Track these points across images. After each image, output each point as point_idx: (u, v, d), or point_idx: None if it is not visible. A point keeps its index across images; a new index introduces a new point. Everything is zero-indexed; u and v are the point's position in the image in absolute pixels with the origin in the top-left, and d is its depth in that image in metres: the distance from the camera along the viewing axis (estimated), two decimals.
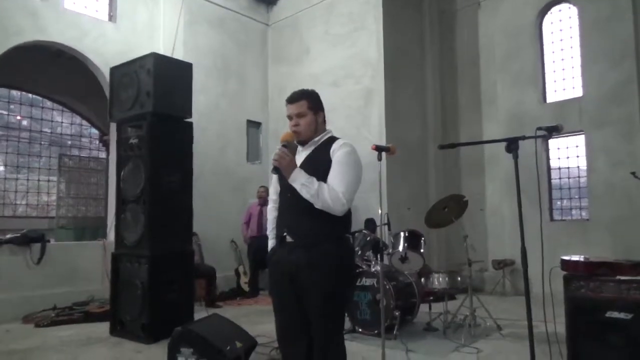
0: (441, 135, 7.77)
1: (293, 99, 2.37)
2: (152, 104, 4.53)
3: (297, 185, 2.19)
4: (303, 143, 2.38)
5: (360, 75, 7.28)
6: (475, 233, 6.70)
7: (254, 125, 8.36)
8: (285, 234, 2.29)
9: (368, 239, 4.88)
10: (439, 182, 7.60)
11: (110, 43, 6.90)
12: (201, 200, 6.11)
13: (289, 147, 2.29)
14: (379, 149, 3.09)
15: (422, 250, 4.81)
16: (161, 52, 6.86)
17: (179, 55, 6.95)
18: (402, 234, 4.87)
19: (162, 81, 4.60)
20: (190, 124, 4.89)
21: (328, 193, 2.17)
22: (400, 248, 4.79)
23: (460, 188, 7.49)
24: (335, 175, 2.22)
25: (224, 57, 7.86)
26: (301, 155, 2.38)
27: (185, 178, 4.81)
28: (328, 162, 2.25)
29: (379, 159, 3.11)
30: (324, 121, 2.43)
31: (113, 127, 5.73)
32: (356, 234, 4.95)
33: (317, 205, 2.18)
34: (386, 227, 4.86)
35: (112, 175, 6.10)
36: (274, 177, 2.46)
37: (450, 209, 4.73)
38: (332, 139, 2.37)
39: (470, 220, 6.42)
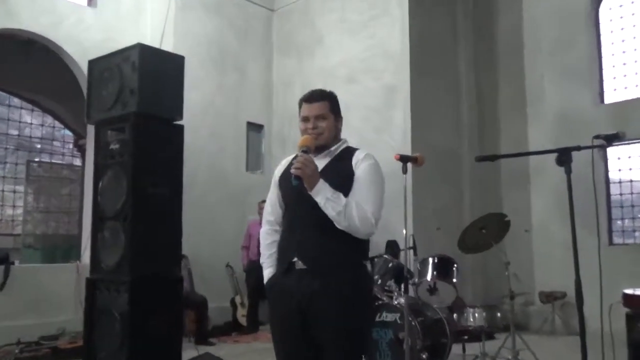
0: (477, 142, 7.75)
1: (313, 98, 2.40)
2: (137, 103, 4.56)
3: (320, 199, 2.19)
4: (318, 151, 2.38)
5: (381, 70, 7.31)
6: (519, 259, 6.64)
7: (255, 128, 8.42)
8: (295, 259, 2.28)
9: (390, 265, 4.86)
10: (474, 197, 7.56)
11: (89, 31, 7.00)
12: (192, 216, 6.13)
13: (310, 152, 2.29)
14: (403, 159, 3.10)
15: (454, 280, 4.78)
16: (148, 42, 6.95)
17: (168, 45, 7.04)
18: (430, 259, 4.84)
19: (149, 76, 4.64)
20: (181, 126, 4.91)
21: (356, 212, 2.18)
22: (429, 277, 4.76)
23: (501, 205, 7.45)
24: (361, 191, 2.24)
25: (220, 47, 7.94)
26: None
27: (174, 190, 4.82)
28: (350, 175, 2.28)
29: (404, 170, 3.12)
30: (341, 130, 2.47)
31: (91, 129, 5.80)
32: (376, 260, 4.93)
33: (341, 225, 2.19)
34: (411, 251, 4.85)
35: (89, 186, 6.15)
36: (273, 193, 2.47)
37: (488, 230, 4.70)
38: (351, 150, 2.40)
39: (513, 244, 6.35)
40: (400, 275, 4.77)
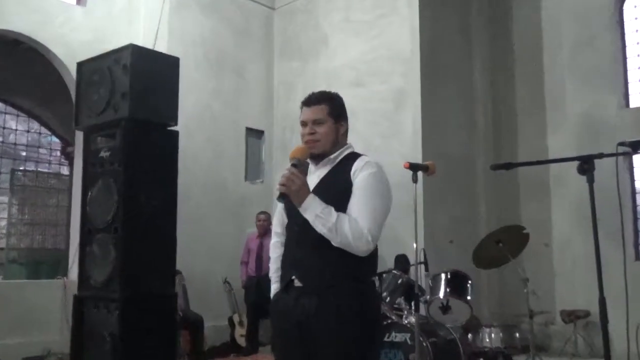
0: (493, 149, 7.74)
1: (311, 101, 2.40)
2: (129, 107, 4.58)
3: (309, 216, 2.19)
4: (317, 159, 2.38)
5: (389, 72, 7.32)
6: (539, 275, 6.61)
7: (254, 134, 8.43)
8: (293, 277, 2.29)
9: (399, 281, 4.85)
10: (490, 208, 7.54)
11: (78, 31, 7.05)
12: (187, 229, 6.14)
13: (301, 166, 2.28)
14: (413, 167, 3.10)
15: (468, 297, 4.76)
16: (141, 43, 6.99)
17: (162, 46, 7.08)
18: (443, 275, 4.83)
19: (141, 79, 4.66)
20: (176, 132, 4.93)
21: (349, 227, 2.15)
22: (441, 294, 4.74)
23: (519, 216, 7.42)
24: (358, 204, 2.21)
25: (218, 48, 7.98)
26: (314, 176, 2.38)
27: (168, 201, 4.83)
28: (348, 186, 2.25)
29: (414, 180, 3.12)
30: (346, 134, 2.44)
31: (79, 136, 5.82)
32: (384, 276, 4.92)
33: (335, 242, 2.17)
34: (422, 266, 4.83)
35: (77, 197, 6.18)
36: (280, 205, 2.47)
37: (505, 244, 4.68)
38: (354, 156, 2.36)
39: (532, 259, 6.33)
40: (410, 292, 4.75)
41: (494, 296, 7.33)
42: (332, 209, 2.18)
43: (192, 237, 6.73)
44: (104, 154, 4.71)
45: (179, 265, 5.08)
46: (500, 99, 7.94)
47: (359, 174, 2.26)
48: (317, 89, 2.54)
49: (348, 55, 7.73)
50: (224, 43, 8.06)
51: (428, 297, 4.83)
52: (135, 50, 4.72)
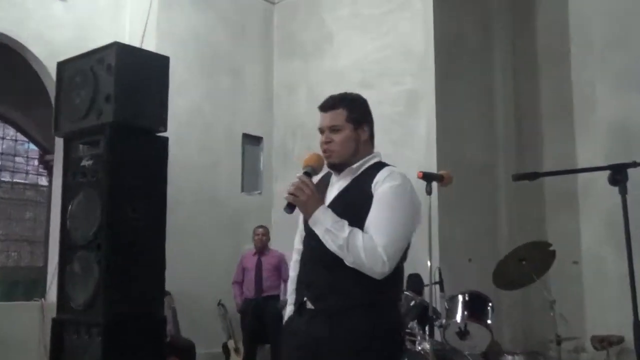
0: (515, 157, 7.72)
1: (327, 105, 2.40)
2: (114, 111, 4.60)
3: (319, 230, 2.19)
4: (339, 169, 2.38)
5: (400, 73, 7.34)
6: (567, 297, 6.57)
7: (252, 141, 8.45)
8: (305, 298, 2.30)
9: (412, 303, 4.82)
10: (512, 223, 7.52)
11: (59, 28, 7.10)
12: (178, 245, 6.14)
13: (314, 174, 2.29)
14: (427, 177, 3.11)
15: (489, 322, 4.73)
16: (127, 40, 7.03)
17: (150, 44, 7.11)
18: (460, 297, 4.81)
19: (127, 81, 4.69)
20: (165, 139, 4.96)
21: (362, 245, 2.12)
22: (458, 318, 4.72)
23: (544, 231, 7.39)
24: (375, 220, 2.19)
25: (211, 47, 8.02)
26: (334, 187, 2.38)
27: (156, 215, 4.85)
28: (367, 199, 2.23)
29: (428, 191, 3.13)
30: (371, 140, 2.45)
31: (59, 143, 5.84)
32: None
33: (348, 262, 2.15)
34: (437, 287, 4.82)
35: (56, 210, 6.18)
36: (300, 219, 2.47)
37: (529, 262, 4.67)
38: (379, 166, 2.35)
39: (559, 279, 6.30)
40: (424, 315, 4.71)
41: (517, 320, 7.29)
42: (346, 223, 2.17)
43: (183, 254, 6.73)
44: (86, 162, 4.73)
45: (168, 286, 5.07)
46: (523, 101, 7.93)
47: (380, 186, 2.24)
48: (321, 92, 2.56)
49: (355, 54, 7.75)
50: (218, 41, 8.10)
51: (444, 321, 4.79)
52: (121, 49, 4.75)
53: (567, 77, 7.68)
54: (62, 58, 5.18)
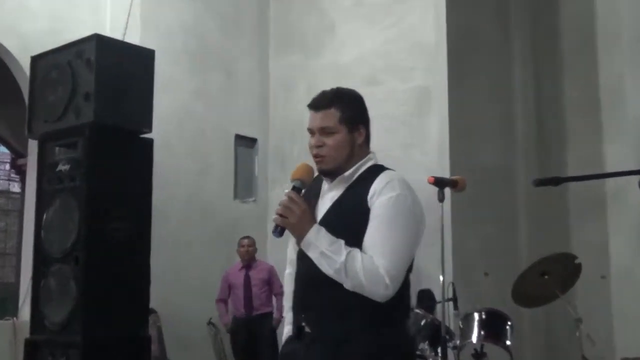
0: (536, 160, 7.72)
1: (318, 103, 2.32)
2: (94, 111, 4.60)
3: (313, 254, 2.15)
4: (331, 176, 2.32)
5: (409, 68, 7.35)
6: (594, 315, 6.55)
7: (246, 143, 8.45)
8: (303, 323, 2.27)
9: (423, 322, 4.84)
10: (533, 233, 7.51)
11: (33, 20, 7.09)
12: (164, 259, 6.13)
13: (304, 188, 2.24)
14: (439, 182, 3.10)
15: (507, 343, 4.75)
16: (108, 32, 7.04)
17: (134, 37, 7.11)
18: (476, 315, 4.82)
19: (108, 77, 4.69)
20: (150, 141, 4.96)
21: (362, 268, 2.09)
22: (474, 338, 4.73)
23: (569, 243, 7.38)
24: (374, 238, 2.15)
25: (201, 40, 8.02)
26: (326, 197, 2.33)
27: (140, 225, 4.84)
28: (364, 213, 2.18)
29: (440, 197, 3.11)
30: (367, 142, 2.37)
31: (33, 145, 5.83)
32: None
33: (347, 286, 2.12)
34: (451, 304, 4.81)
35: (30, 219, 6.17)
36: None
37: (552, 277, 4.67)
38: (375, 170, 2.29)
39: (586, 295, 6.30)
40: (436, 335, 4.68)
41: (539, 341, 7.29)
42: (342, 244, 2.14)
43: (171, 267, 6.73)
44: (62, 167, 4.72)
45: (153, 303, 5.07)
46: (544, 99, 7.93)
47: (377, 199, 2.18)
48: (321, 89, 2.42)
49: (359, 48, 7.76)
50: (208, 34, 8.11)
51: (458, 341, 4.81)
52: (102, 42, 4.75)
53: (593, 72, 7.67)
54: (36, 52, 5.18)
